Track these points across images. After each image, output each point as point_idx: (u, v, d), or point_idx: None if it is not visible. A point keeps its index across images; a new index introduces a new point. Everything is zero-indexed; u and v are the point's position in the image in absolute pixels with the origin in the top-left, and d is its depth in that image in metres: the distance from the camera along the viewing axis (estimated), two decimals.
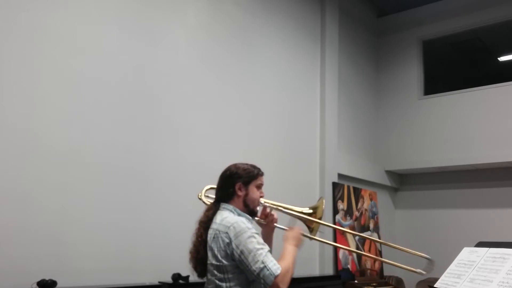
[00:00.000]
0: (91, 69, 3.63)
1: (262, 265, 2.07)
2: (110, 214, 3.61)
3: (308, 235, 2.50)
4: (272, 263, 2.09)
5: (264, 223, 2.46)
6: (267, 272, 2.06)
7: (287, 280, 2.11)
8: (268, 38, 5.44)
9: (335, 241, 5.95)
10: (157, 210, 3.94)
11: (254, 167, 2.41)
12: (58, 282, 3.05)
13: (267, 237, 2.44)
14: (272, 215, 2.49)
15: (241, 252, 2.09)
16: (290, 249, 2.27)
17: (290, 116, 5.66)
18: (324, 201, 2.58)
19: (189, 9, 4.55)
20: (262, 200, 2.43)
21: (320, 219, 2.51)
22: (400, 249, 2.83)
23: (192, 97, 4.42)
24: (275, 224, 2.50)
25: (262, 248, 2.12)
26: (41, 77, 3.34)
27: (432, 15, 7.34)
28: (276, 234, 2.51)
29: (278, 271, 2.07)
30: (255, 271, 2.07)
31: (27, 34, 3.28)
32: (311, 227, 2.50)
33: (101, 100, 3.67)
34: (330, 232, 5.94)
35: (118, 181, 3.70)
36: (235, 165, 2.39)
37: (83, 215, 3.44)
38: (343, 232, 6.18)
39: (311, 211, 2.52)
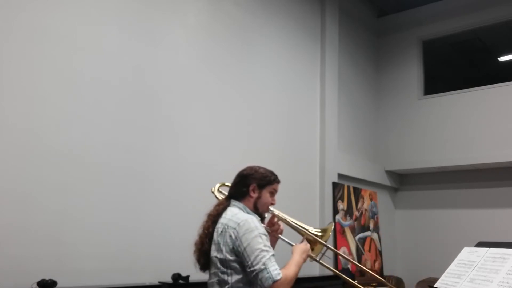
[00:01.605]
0: (91, 69, 3.63)
1: (263, 267, 2.07)
2: (110, 214, 3.61)
3: (311, 254, 2.50)
4: (274, 267, 2.08)
5: (269, 231, 2.45)
6: (267, 275, 2.05)
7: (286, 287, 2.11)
8: (268, 38, 5.44)
9: (335, 240, 5.96)
10: (157, 210, 3.94)
11: (272, 173, 2.44)
12: (58, 282, 3.04)
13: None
14: (279, 225, 2.50)
15: (245, 249, 2.10)
16: (297, 259, 2.27)
17: (290, 116, 5.66)
18: (333, 226, 2.58)
19: (189, 9, 4.55)
20: (271, 208, 2.44)
21: (325, 242, 2.51)
22: (376, 277, 2.86)
23: (192, 97, 4.42)
24: (279, 235, 2.50)
25: (267, 251, 2.12)
26: (41, 77, 3.34)
27: (432, 15, 7.34)
28: (280, 246, 2.51)
29: (278, 277, 2.06)
30: (255, 270, 2.07)
31: (27, 34, 3.28)
32: (314, 248, 2.50)
33: (101, 100, 3.67)
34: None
35: (118, 181, 3.70)
36: (253, 167, 2.43)
37: (83, 215, 3.44)
38: (343, 233, 6.18)
39: (321, 233, 2.52)
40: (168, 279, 3.69)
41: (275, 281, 2.05)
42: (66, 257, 3.30)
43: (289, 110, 5.65)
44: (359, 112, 7.17)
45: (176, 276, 3.68)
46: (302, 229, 2.52)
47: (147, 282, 3.67)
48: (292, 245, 2.42)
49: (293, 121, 5.70)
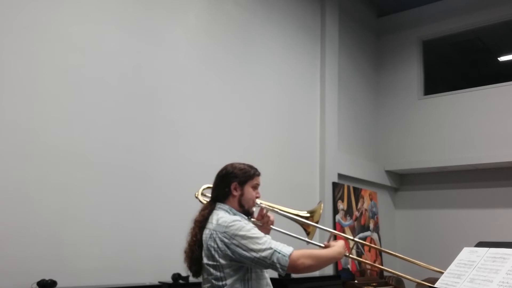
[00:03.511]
0: (91, 69, 3.63)
1: (271, 250, 2.06)
2: (110, 214, 3.61)
3: (305, 239, 2.48)
4: (281, 246, 2.09)
5: (260, 224, 2.44)
6: (279, 255, 2.05)
7: (304, 261, 2.09)
8: (268, 38, 5.44)
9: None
10: (157, 210, 3.94)
11: (251, 167, 2.39)
12: (58, 282, 3.05)
13: None
14: (268, 216, 2.47)
15: (246, 246, 2.08)
16: (333, 249, 2.27)
17: (290, 116, 5.66)
18: (322, 205, 2.56)
19: (189, 9, 4.55)
20: (258, 201, 2.42)
21: (317, 223, 2.49)
22: (404, 259, 2.73)
23: (192, 97, 4.42)
24: (271, 226, 2.49)
25: (264, 236, 2.13)
26: (41, 77, 3.34)
27: (432, 15, 7.34)
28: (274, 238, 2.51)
29: (290, 250, 2.07)
30: (266, 257, 2.06)
31: (27, 33, 3.28)
32: (308, 230, 2.49)
33: (101, 100, 3.67)
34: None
35: (118, 181, 3.70)
36: (231, 165, 2.38)
37: (83, 215, 3.44)
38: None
39: (308, 214, 2.50)
40: (168, 279, 3.69)
41: (290, 255, 2.06)
42: (66, 257, 3.30)
43: (289, 110, 5.65)
44: (359, 112, 7.17)
45: (176, 276, 3.68)
46: (292, 215, 2.51)
47: (147, 282, 3.67)
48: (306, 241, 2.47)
49: (293, 121, 5.70)
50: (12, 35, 3.20)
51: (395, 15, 7.77)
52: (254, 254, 2.07)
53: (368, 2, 7.68)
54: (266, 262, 2.07)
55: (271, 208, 2.48)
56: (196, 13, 4.63)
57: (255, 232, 2.13)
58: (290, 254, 2.06)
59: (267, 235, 2.16)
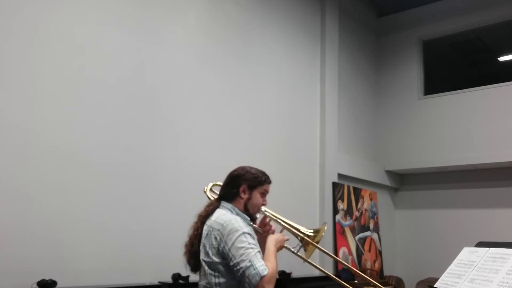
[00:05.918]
0: (91, 69, 3.63)
1: (248, 264, 2.07)
2: (110, 214, 3.61)
3: (302, 256, 2.48)
4: (260, 263, 2.09)
5: (261, 232, 2.45)
6: (253, 272, 2.05)
7: (273, 282, 2.11)
8: (268, 38, 5.44)
9: (335, 240, 5.96)
10: (157, 210, 3.94)
11: (263, 173, 2.42)
12: (58, 282, 3.05)
13: (260, 246, 2.42)
14: (270, 225, 2.48)
15: (230, 249, 2.10)
16: (273, 250, 2.27)
17: (290, 116, 5.66)
18: (326, 227, 2.56)
19: (189, 9, 4.55)
20: (263, 208, 2.43)
21: (317, 243, 2.49)
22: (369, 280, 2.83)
23: (192, 97, 4.42)
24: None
25: (252, 248, 2.12)
26: (42, 77, 3.34)
27: (432, 15, 7.34)
28: None
29: (265, 272, 2.07)
30: (241, 268, 2.07)
31: (27, 34, 3.28)
32: (307, 248, 2.49)
33: (101, 100, 3.67)
34: (330, 231, 5.95)
35: (118, 181, 3.70)
36: (244, 168, 2.41)
37: (83, 215, 3.44)
38: (343, 233, 6.18)
39: (312, 234, 2.49)
40: (168, 279, 3.69)
41: (262, 277, 2.05)
42: (66, 257, 3.30)
43: (289, 110, 5.65)
44: (359, 112, 7.17)
45: (176, 276, 3.68)
46: (293, 229, 2.51)
47: (147, 282, 3.67)
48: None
49: (293, 121, 5.70)
50: (12, 35, 3.20)
51: (395, 15, 7.77)
52: (233, 260, 2.09)
53: (368, 2, 7.68)
54: (238, 272, 2.08)
55: (274, 218, 2.48)
56: (196, 13, 4.63)
57: (244, 239, 2.12)
58: (263, 277, 2.06)
59: (256, 246, 2.15)
